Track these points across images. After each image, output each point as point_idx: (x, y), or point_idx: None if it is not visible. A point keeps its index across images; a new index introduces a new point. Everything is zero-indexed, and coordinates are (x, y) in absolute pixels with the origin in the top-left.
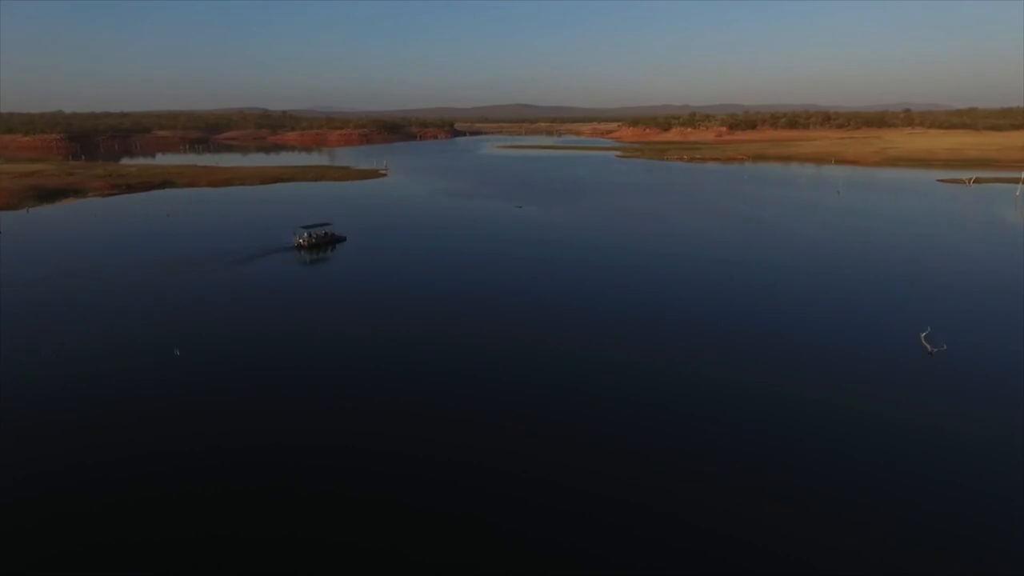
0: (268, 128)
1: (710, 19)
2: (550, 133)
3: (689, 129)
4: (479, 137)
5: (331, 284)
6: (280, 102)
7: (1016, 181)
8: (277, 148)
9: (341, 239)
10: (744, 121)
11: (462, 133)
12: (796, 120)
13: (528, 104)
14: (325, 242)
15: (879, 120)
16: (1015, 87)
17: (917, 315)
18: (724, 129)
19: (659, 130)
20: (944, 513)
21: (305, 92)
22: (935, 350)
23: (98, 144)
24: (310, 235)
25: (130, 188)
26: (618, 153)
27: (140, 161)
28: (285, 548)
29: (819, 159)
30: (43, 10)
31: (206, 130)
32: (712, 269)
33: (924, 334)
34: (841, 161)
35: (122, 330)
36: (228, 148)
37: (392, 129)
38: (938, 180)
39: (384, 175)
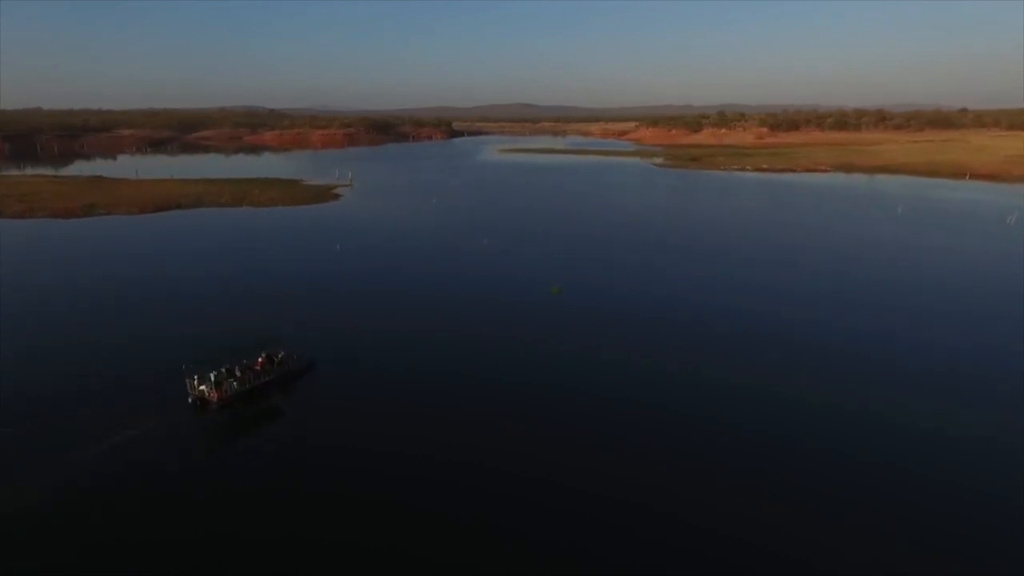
0: (247, 127)
1: (710, 19)
2: (555, 133)
3: (723, 130)
4: (479, 138)
5: None
6: (280, 102)
7: None
8: (252, 149)
9: (301, 371)
10: (786, 121)
11: (460, 133)
12: (845, 120)
13: (529, 103)
14: (265, 383)
15: (944, 120)
16: (1015, 87)
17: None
18: (765, 130)
19: (688, 131)
20: (944, 513)
21: (306, 92)
22: None
23: (36, 145)
24: (228, 372)
25: None
26: (655, 161)
27: (66, 166)
28: (285, 548)
29: (931, 171)
30: (43, 10)
31: (179, 129)
32: (714, 269)
33: None
34: (975, 175)
35: None
36: (200, 148)
37: (382, 128)
38: None
39: (338, 196)
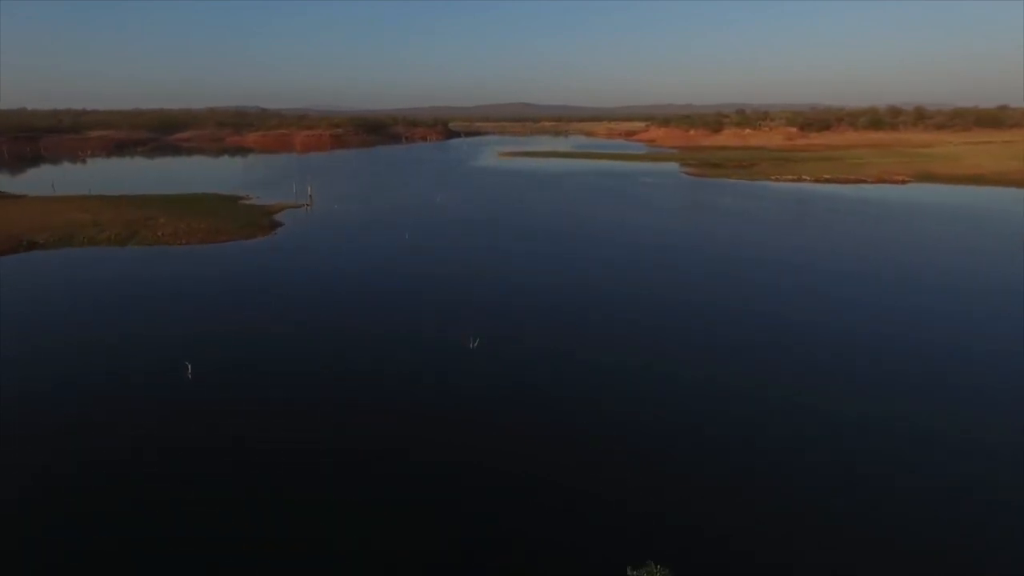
0: (231, 127)
1: (710, 19)
2: (556, 133)
3: (747, 131)
4: (478, 139)
5: None
6: (281, 101)
7: None
8: (232, 151)
9: None
10: (816, 121)
11: (457, 134)
12: (880, 119)
13: (529, 103)
14: None
15: (992, 118)
16: (1015, 87)
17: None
18: (795, 131)
19: (708, 132)
20: (944, 512)
21: (306, 92)
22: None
23: None
24: None
25: None
26: (687, 170)
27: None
28: (282, 552)
29: None
30: (43, 10)
31: (158, 130)
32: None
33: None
34: None
35: None
36: (178, 150)
37: (373, 129)
38: None
39: (277, 227)
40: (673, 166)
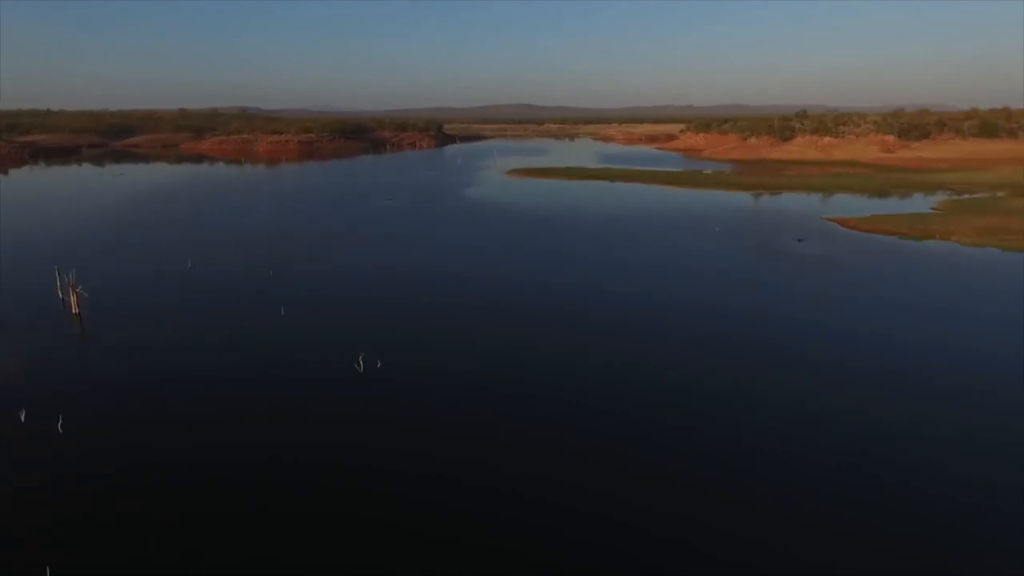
0: (191, 132)
1: (711, 19)
2: (562, 136)
3: (827, 139)
4: (476, 144)
5: None
6: (275, 102)
7: None
8: (185, 159)
9: None
10: (913, 126)
11: (452, 139)
12: (992, 124)
13: (530, 104)
14: None
15: None
16: (1016, 87)
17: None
18: (892, 139)
19: (773, 140)
20: (944, 512)
21: (306, 93)
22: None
23: None
24: None
25: None
26: (830, 215)
27: None
28: (277, 560)
29: None
30: (41, 10)
31: (108, 134)
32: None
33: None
34: None
35: None
36: (127, 157)
37: (353, 133)
38: None
39: None
40: (801, 205)
